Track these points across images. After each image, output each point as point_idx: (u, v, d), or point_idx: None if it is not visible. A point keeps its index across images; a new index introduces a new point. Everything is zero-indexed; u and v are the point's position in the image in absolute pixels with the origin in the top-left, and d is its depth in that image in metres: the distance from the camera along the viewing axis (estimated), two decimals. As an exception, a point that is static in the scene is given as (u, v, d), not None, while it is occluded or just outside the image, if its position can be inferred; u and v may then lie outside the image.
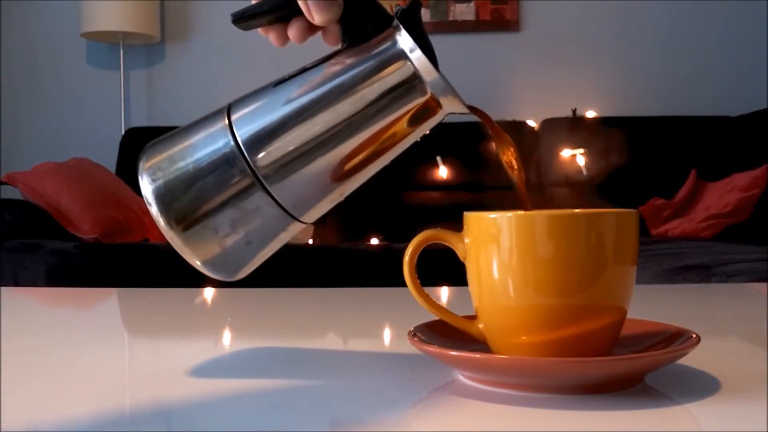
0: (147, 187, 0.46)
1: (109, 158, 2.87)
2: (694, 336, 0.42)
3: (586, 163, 2.77)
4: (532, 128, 2.90)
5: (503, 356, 0.42)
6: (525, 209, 0.46)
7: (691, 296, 0.90)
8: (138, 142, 2.92)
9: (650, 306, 0.71)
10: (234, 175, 0.44)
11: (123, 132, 3.04)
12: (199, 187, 0.45)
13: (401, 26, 0.44)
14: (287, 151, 0.44)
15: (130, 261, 2.15)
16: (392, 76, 0.44)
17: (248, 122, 0.45)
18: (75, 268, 2.12)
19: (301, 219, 0.47)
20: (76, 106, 3.21)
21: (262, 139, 0.44)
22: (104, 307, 0.85)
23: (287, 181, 0.45)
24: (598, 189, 2.74)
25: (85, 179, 2.48)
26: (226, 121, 0.45)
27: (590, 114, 2.95)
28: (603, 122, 2.85)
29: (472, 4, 3.10)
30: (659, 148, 2.77)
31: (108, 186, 2.53)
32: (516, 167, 0.47)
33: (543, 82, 3.08)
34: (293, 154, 0.44)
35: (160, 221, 0.45)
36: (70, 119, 3.21)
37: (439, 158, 2.79)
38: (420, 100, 0.45)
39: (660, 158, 2.75)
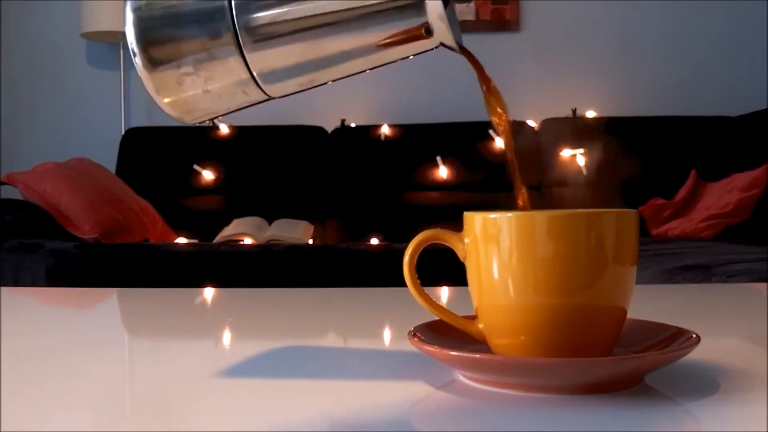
0: (130, 3, 0.46)
1: (109, 158, 2.87)
2: (694, 336, 0.42)
3: (586, 163, 2.77)
4: (532, 128, 2.91)
5: (503, 356, 0.42)
6: (513, 179, 0.46)
7: (691, 296, 0.90)
8: (138, 142, 2.93)
9: (650, 306, 0.71)
10: (215, 25, 0.44)
11: (123, 132, 3.04)
12: (178, 19, 0.45)
13: None
14: (273, 21, 0.44)
15: (130, 261, 2.16)
16: None
17: None
18: (75, 268, 2.12)
19: (263, 88, 0.47)
20: (76, 106, 3.21)
21: (253, 1, 0.44)
22: (104, 307, 0.85)
23: (264, 51, 0.45)
24: (598, 189, 2.74)
25: (85, 179, 2.48)
26: None
27: (590, 114, 2.95)
28: (603, 122, 2.85)
29: (472, 4, 3.10)
30: (659, 148, 2.77)
31: (108, 186, 2.53)
32: (504, 128, 0.47)
33: (543, 82, 3.08)
34: (278, 27, 0.44)
35: (131, 36, 0.45)
36: (70, 119, 3.21)
37: (439, 158, 2.79)
38: (414, 21, 0.44)
39: (660, 158, 2.75)
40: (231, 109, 0.48)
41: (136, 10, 0.45)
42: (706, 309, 0.75)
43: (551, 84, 3.07)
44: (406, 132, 2.88)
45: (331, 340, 0.61)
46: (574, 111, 2.94)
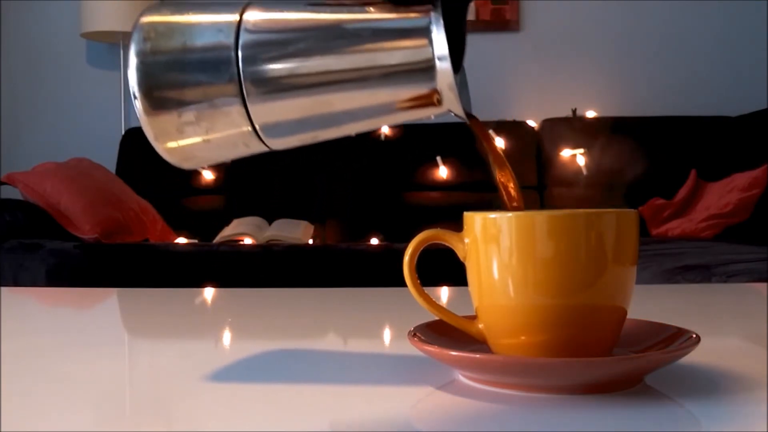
0: (135, 41, 0.45)
1: (109, 158, 2.87)
2: (694, 336, 0.42)
3: (586, 163, 2.77)
4: (532, 128, 2.91)
5: (503, 356, 0.42)
6: None
7: (691, 296, 0.90)
8: (138, 142, 2.92)
9: (650, 306, 0.71)
10: (220, 75, 0.44)
11: (123, 132, 3.04)
12: (182, 67, 0.44)
13: (440, 8, 0.43)
14: (279, 75, 0.44)
15: (130, 261, 2.16)
16: (407, 52, 0.43)
17: (256, 31, 0.44)
18: (75, 268, 2.12)
19: (265, 141, 0.46)
20: (76, 106, 3.21)
21: (262, 53, 0.44)
22: (104, 307, 0.85)
23: (268, 104, 0.44)
24: (598, 189, 2.74)
25: (85, 179, 2.48)
26: (237, 18, 0.45)
27: (590, 114, 2.95)
28: (603, 122, 2.85)
29: (472, 4, 3.10)
30: (659, 148, 2.77)
31: (108, 186, 2.53)
32: (515, 196, 0.46)
33: (543, 82, 3.08)
34: (284, 81, 0.44)
35: (133, 79, 0.45)
36: (70, 119, 3.21)
37: (439, 158, 2.79)
38: (423, 88, 0.44)
39: (660, 158, 2.75)
40: (230, 159, 0.48)
41: (139, 54, 0.45)
42: (706, 309, 0.75)
43: (551, 84, 3.07)
44: (406, 132, 2.88)
45: (331, 341, 0.61)
46: (574, 111, 2.94)
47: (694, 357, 0.44)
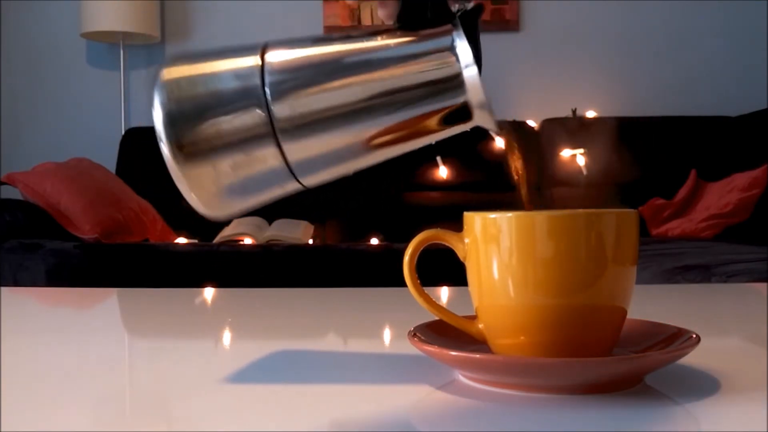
0: (159, 102, 0.44)
1: (109, 158, 2.87)
2: (694, 336, 0.42)
3: (586, 163, 2.77)
4: (532, 128, 2.91)
5: (503, 356, 0.42)
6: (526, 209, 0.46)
7: (691, 296, 0.90)
8: (138, 142, 2.93)
9: (650, 306, 0.71)
10: (251, 120, 0.43)
11: (123, 132, 3.04)
12: (212, 120, 0.44)
13: (460, 26, 0.44)
14: (310, 111, 0.44)
15: (130, 261, 2.16)
16: (435, 71, 0.43)
17: (280, 71, 0.44)
18: (75, 268, 2.12)
19: (301, 181, 0.46)
20: (76, 106, 3.21)
21: (289, 91, 0.44)
22: (104, 307, 0.85)
23: (301, 141, 0.44)
24: (598, 189, 2.74)
25: (85, 179, 2.48)
26: (259, 62, 0.44)
27: (590, 114, 2.95)
28: (603, 122, 2.85)
29: (472, 4, 3.10)
30: (659, 148, 2.77)
31: (108, 186, 2.53)
32: (521, 171, 0.47)
33: (543, 82, 3.08)
34: (315, 116, 0.44)
35: (162, 140, 0.44)
36: (70, 119, 3.21)
37: (439, 158, 2.79)
38: (453, 103, 0.44)
39: (660, 158, 2.75)
40: (264, 203, 0.48)
41: (165, 108, 0.44)
42: (706, 309, 0.75)
43: (551, 84, 3.07)
44: (406, 132, 2.88)
45: (331, 341, 0.61)
46: (574, 111, 2.94)
47: (694, 357, 0.44)
